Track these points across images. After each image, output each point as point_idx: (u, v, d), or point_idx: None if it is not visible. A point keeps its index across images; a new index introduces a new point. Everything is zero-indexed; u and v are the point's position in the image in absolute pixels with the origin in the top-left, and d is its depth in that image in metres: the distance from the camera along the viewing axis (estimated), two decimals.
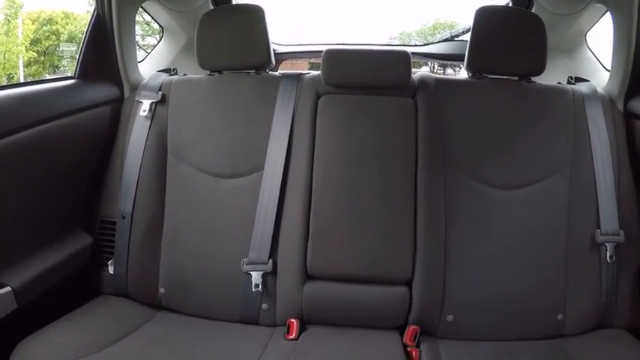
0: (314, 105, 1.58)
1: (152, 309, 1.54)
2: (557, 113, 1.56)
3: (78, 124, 1.51)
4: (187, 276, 1.53)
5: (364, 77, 1.59)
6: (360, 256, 1.49)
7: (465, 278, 1.47)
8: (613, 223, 1.46)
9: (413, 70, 1.61)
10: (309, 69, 2.46)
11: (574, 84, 1.68)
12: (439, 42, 2.41)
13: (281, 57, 2.39)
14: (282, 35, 2.48)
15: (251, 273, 1.48)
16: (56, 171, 1.45)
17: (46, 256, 1.42)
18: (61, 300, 1.46)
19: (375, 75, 1.58)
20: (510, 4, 2.04)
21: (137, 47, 1.78)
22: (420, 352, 1.38)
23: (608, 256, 1.45)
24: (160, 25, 2.12)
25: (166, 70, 1.76)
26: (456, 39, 2.36)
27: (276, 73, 1.70)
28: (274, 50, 1.71)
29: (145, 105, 1.61)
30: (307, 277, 1.49)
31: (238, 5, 1.65)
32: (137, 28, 1.78)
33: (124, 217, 1.56)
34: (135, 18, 1.73)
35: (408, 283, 1.48)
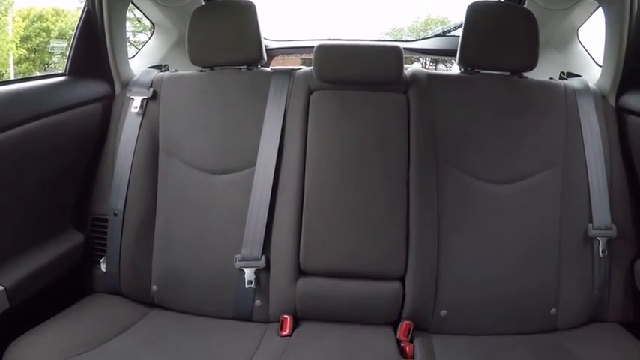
0: (306, 100, 1.58)
1: (145, 306, 1.53)
2: (549, 108, 1.56)
3: (69, 121, 1.49)
4: (180, 273, 1.52)
5: (356, 73, 1.58)
6: (352, 252, 1.49)
7: (458, 273, 1.47)
8: (605, 218, 1.47)
9: (405, 65, 1.61)
10: (301, 65, 2.46)
11: (566, 79, 1.68)
12: (431, 37, 2.41)
13: (273, 53, 2.38)
14: (273, 31, 2.48)
15: (244, 269, 1.47)
16: (47, 168, 1.44)
17: (38, 255, 1.41)
18: (54, 298, 1.45)
19: (367, 70, 1.58)
20: (502, 0, 2.04)
21: (128, 44, 1.77)
22: (414, 347, 1.38)
23: (600, 250, 1.46)
24: (150, 21, 2.10)
25: (158, 67, 1.76)
26: (448, 34, 2.37)
27: (268, 69, 1.70)
28: (266, 46, 1.70)
29: (136, 101, 1.60)
30: (300, 273, 1.49)
31: (230, 1, 1.63)
32: (128, 24, 1.77)
33: (115, 215, 1.55)
34: (125, 14, 1.72)
35: (401, 279, 1.48)
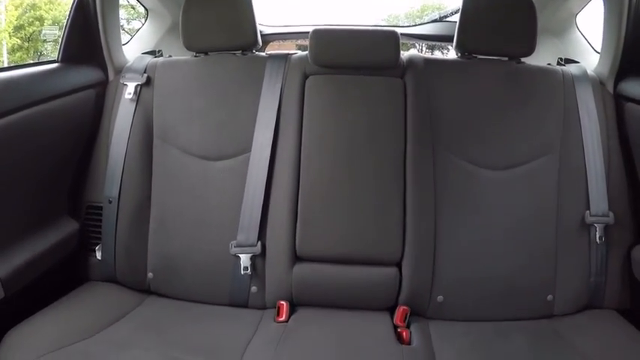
0: (301, 85, 1.57)
1: (141, 294, 1.53)
2: (547, 94, 1.55)
3: (62, 109, 1.48)
4: (175, 260, 1.52)
5: (352, 57, 1.57)
6: (349, 237, 1.48)
7: (455, 259, 1.47)
8: (602, 205, 1.47)
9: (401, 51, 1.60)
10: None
11: (564, 65, 1.67)
12: (428, 23, 2.39)
13: (268, 38, 2.37)
14: (268, 16, 2.46)
15: (239, 256, 1.47)
16: (40, 156, 1.43)
17: (33, 244, 1.40)
18: (50, 287, 1.45)
19: (364, 55, 1.57)
20: None
21: (122, 32, 1.74)
22: (411, 332, 1.38)
23: (597, 237, 1.46)
24: (144, 7, 2.08)
25: (151, 52, 1.74)
26: (444, 20, 2.35)
27: (263, 54, 1.67)
28: (261, 32, 1.68)
29: (130, 88, 1.58)
30: (296, 258, 1.49)
31: None
32: (121, 11, 1.74)
33: (110, 202, 1.54)
34: None
35: (398, 264, 1.48)
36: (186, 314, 1.44)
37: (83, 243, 1.58)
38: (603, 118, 1.53)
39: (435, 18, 2.40)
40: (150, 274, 1.53)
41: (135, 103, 1.58)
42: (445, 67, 1.60)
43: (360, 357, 1.26)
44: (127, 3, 2.31)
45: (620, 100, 1.55)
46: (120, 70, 1.65)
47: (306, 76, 1.58)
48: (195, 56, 1.64)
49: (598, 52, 1.71)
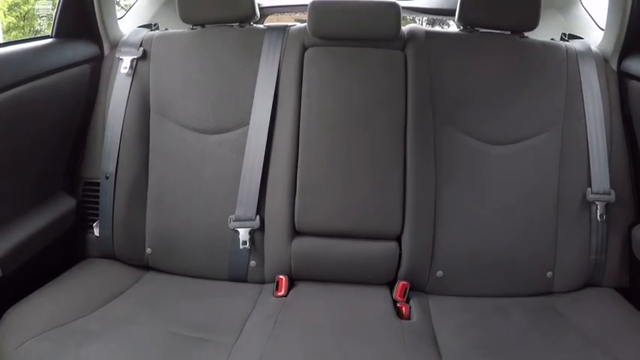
0: (300, 58, 1.55)
1: (139, 270, 1.53)
2: (550, 69, 1.53)
3: (57, 84, 1.46)
4: (174, 235, 1.51)
5: (352, 28, 1.54)
6: (348, 211, 1.47)
7: (455, 234, 1.47)
8: (604, 183, 1.46)
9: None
10: None
11: (567, 41, 1.65)
12: None
13: (266, 11, 2.34)
14: None
15: (238, 230, 1.47)
16: (36, 133, 1.41)
17: (30, 222, 1.39)
18: (47, 265, 1.44)
19: (364, 26, 1.54)
20: None
21: (117, 7, 1.72)
22: (410, 307, 1.39)
23: (598, 215, 1.45)
24: None
25: (147, 26, 1.71)
26: None
27: (261, 26, 1.65)
28: (259, 4, 1.65)
29: (126, 62, 1.56)
30: (295, 233, 1.48)
31: None
32: None
33: (107, 178, 1.53)
34: None
35: (398, 239, 1.48)
36: (185, 289, 1.44)
37: (81, 220, 1.57)
38: (606, 96, 1.52)
39: None
40: (148, 250, 1.53)
41: (131, 78, 1.56)
42: (447, 40, 1.57)
43: (359, 332, 1.26)
44: None
45: (623, 77, 1.54)
46: (115, 45, 1.63)
47: (305, 48, 1.56)
48: (192, 29, 1.62)
49: (602, 29, 1.68)
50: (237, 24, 1.61)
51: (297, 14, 2.60)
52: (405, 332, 1.26)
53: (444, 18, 2.62)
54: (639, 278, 1.45)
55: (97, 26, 1.61)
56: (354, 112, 1.50)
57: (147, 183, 1.54)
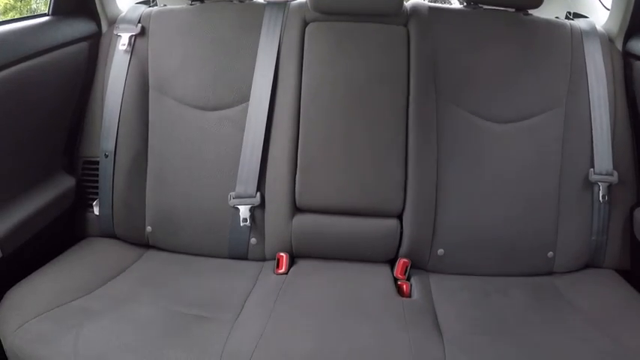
0: (301, 33, 1.52)
1: (140, 248, 1.53)
2: (554, 48, 1.52)
3: (55, 63, 1.44)
4: (174, 213, 1.51)
5: (354, 3, 1.52)
6: (349, 188, 1.46)
7: (457, 212, 1.46)
8: (607, 163, 1.45)
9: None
10: None
11: (572, 20, 1.63)
12: None
13: None
14: None
15: (238, 207, 1.46)
16: (34, 112, 1.40)
17: (29, 202, 1.38)
18: (48, 245, 1.44)
19: (366, 1, 1.52)
20: None
21: None
22: (411, 285, 1.39)
23: (600, 195, 1.45)
24: None
25: (145, 2, 1.69)
26: None
27: (261, 1, 1.62)
28: None
29: (124, 39, 1.54)
30: (296, 210, 1.48)
31: None
32: None
33: (106, 156, 1.52)
34: None
35: (399, 216, 1.47)
36: (185, 267, 1.44)
37: (80, 199, 1.57)
38: (611, 76, 1.50)
39: None
40: (148, 228, 1.53)
41: (129, 55, 1.54)
42: (450, 16, 1.55)
43: (359, 309, 1.26)
44: None
45: (628, 57, 1.52)
46: (113, 22, 1.61)
47: (306, 23, 1.54)
48: (191, 4, 1.60)
49: (608, 9, 1.66)
50: None
51: None
52: (405, 310, 1.26)
53: None
54: None
55: (95, 3, 1.59)
56: (355, 88, 1.48)
57: (146, 161, 1.53)
